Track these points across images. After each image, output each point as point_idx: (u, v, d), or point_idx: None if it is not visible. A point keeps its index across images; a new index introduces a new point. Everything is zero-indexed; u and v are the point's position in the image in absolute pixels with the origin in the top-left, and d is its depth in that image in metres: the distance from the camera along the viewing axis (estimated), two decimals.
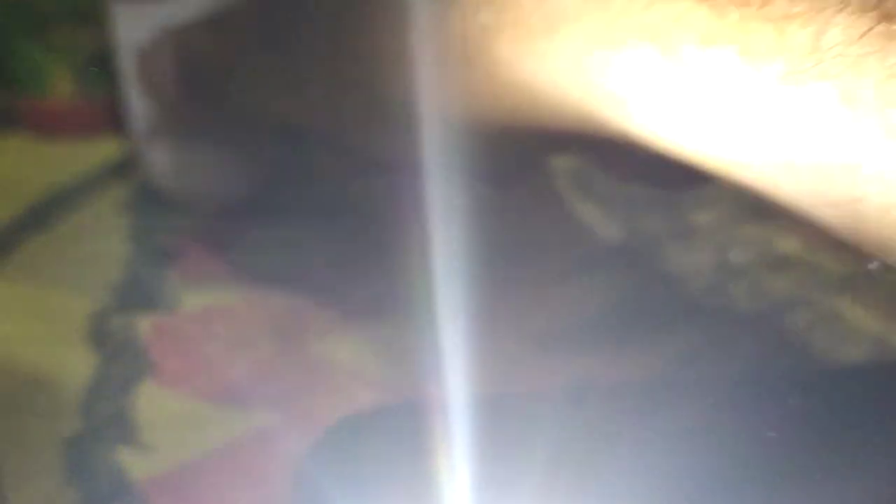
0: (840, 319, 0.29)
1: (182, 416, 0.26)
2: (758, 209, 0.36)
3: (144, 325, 0.28)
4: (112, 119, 0.42)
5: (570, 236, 0.34)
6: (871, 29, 0.13)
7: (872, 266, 0.20)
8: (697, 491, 0.21)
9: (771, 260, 0.32)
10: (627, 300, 0.30)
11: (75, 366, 0.27)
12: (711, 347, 0.28)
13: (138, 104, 0.37)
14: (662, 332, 0.29)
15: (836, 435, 0.22)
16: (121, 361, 0.27)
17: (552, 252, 0.32)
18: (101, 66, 0.41)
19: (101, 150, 0.42)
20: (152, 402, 0.26)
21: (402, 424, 0.23)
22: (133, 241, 0.34)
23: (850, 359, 0.27)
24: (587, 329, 0.29)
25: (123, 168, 0.40)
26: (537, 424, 0.23)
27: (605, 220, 0.35)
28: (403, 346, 0.28)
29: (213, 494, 0.23)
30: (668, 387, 0.25)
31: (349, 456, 0.23)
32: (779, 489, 0.21)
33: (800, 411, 0.23)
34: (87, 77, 0.42)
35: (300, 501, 0.23)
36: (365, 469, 0.22)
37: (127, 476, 0.24)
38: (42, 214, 0.36)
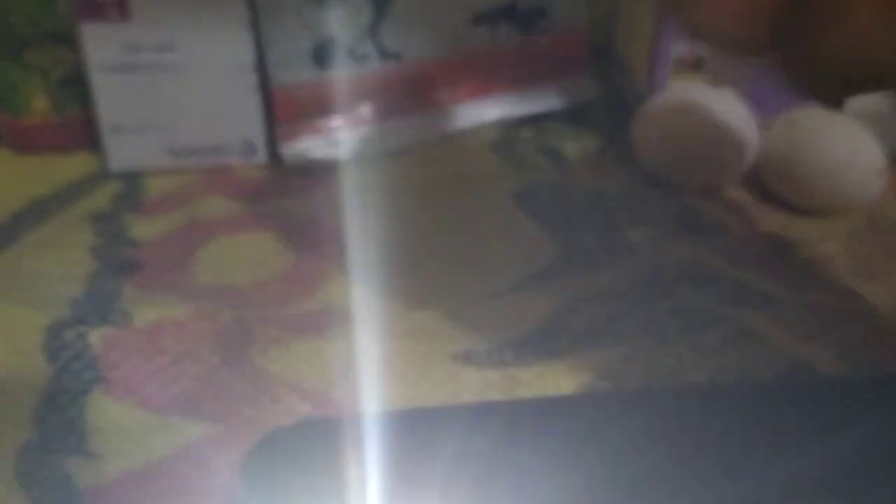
0: (755, 336, 0.30)
1: (129, 426, 0.27)
2: (691, 227, 0.37)
3: (96, 337, 0.30)
4: (83, 135, 0.44)
5: (510, 251, 0.35)
6: None
7: None
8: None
9: (697, 276, 0.33)
10: (560, 315, 0.31)
11: (30, 376, 0.29)
12: (635, 363, 0.29)
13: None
14: (591, 347, 0.30)
15: (747, 450, 0.24)
16: (73, 373, 0.29)
17: (490, 268, 0.34)
18: (74, 85, 0.43)
19: (73, 164, 0.44)
20: (101, 413, 0.28)
21: (324, 436, 0.25)
22: (93, 256, 0.36)
23: (763, 374, 0.29)
24: (519, 344, 0.30)
25: (91, 183, 0.42)
26: (449, 443, 0.24)
27: (545, 235, 0.36)
28: (337, 360, 0.29)
29: (153, 502, 0.25)
30: (593, 400, 0.26)
31: (274, 469, 0.24)
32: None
33: (714, 425, 0.24)
34: (61, 96, 0.44)
35: None
36: (288, 479, 0.24)
37: (74, 483, 0.25)
38: (12, 228, 0.38)
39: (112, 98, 0.41)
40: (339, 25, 0.42)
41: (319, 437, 0.25)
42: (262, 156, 0.43)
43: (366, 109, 0.44)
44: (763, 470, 0.23)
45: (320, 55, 0.42)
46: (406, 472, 0.23)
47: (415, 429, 0.25)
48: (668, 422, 0.25)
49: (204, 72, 0.41)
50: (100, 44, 0.41)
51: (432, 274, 0.34)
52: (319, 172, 0.43)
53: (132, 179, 0.42)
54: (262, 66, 0.42)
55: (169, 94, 0.41)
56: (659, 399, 0.27)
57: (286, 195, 0.41)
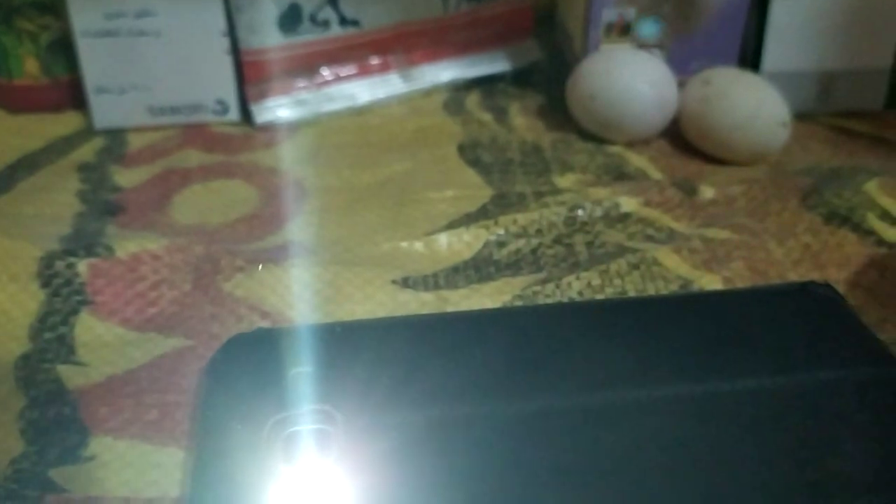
0: (656, 265, 0.34)
1: (111, 341, 0.32)
2: (614, 174, 0.42)
3: (83, 267, 0.34)
4: (72, 95, 0.48)
5: (450, 196, 0.40)
6: None
7: None
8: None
9: (612, 215, 0.38)
10: (489, 248, 0.36)
11: (26, 300, 0.33)
12: (549, 286, 0.34)
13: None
14: (513, 274, 0.35)
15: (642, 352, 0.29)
16: (63, 297, 0.33)
17: (430, 210, 0.39)
18: (62, 49, 0.47)
19: (62, 122, 0.48)
20: (87, 330, 0.32)
21: (278, 343, 0.29)
22: (79, 199, 0.40)
23: (657, 294, 0.33)
24: (451, 273, 0.35)
25: (78, 138, 0.46)
26: (386, 349, 0.29)
27: (482, 182, 0.41)
28: (293, 285, 0.34)
29: (132, 400, 0.29)
30: (510, 314, 0.31)
31: (234, 369, 0.29)
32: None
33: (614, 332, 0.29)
34: (50, 59, 0.48)
35: (201, 403, 0.29)
36: (246, 378, 0.28)
37: (64, 385, 0.30)
38: (7, 177, 0.42)
39: (96, 61, 0.46)
40: None
41: (274, 344, 0.30)
42: (234, 114, 0.48)
43: (328, 71, 0.48)
44: (658, 370, 0.28)
45: (285, 21, 0.46)
46: (348, 372, 0.28)
47: (358, 336, 0.30)
48: (572, 330, 0.30)
49: (179, 36, 0.45)
50: (84, 11, 0.45)
51: (380, 215, 0.39)
52: (286, 129, 0.47)
53: (115, 135, 0.47)
54: (232, 31, 0.46)
55: (148, 58, 0.46)
56: (567, 312, 0.31)
57: (256, 148, 0.45)
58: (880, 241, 0.36)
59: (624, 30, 0.45)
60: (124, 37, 0.45)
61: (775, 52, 0.45)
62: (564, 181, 0.41)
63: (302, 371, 0.29)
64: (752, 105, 0.41)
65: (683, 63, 0.45)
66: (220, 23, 0.45)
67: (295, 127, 0.47)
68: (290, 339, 0.30)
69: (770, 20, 0.44)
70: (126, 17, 0.45)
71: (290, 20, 0.46)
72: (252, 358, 0.29)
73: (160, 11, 0.45)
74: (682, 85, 0.44)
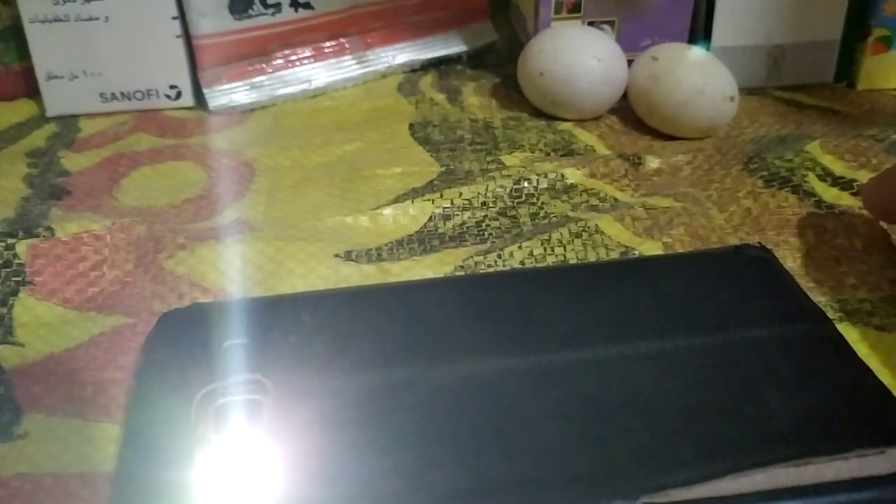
0: (598, 234, 0.34)
1: (51, 321, 0.32)
2: (561, 150, 0.42)
3: (22, 248, 0.34)
4: (25, 84, 0.48)
5: (398, 173, 0.40)
6: None
7: None
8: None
9: (558, 187, 0.38)
10: (434, 221, 0.36)
11: None
12: (491, 257, 0.34)
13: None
14: (456, 246, 0.35)
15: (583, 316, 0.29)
16: (1, 278, 0.33)
17: (378, 186, 0.39)
18: (13, 37, 0.47)
19: (14, 110, 0.48)
20: (27, 311, 0.32)
21: (214, 316, 0.29)
22: (26, 184, 0.40)
23: (595, 260, 0.33)
24: (395, 245, 0.35)
25: (30, 125, 0.46)
26: (321, 319, 0.29)
27: (431, 159, 0.41)
28: (235, 261, 0.34)
29: (68, 378, 0.29)
30: (448, 284, 0.31)
31: (170, 343, 0.29)
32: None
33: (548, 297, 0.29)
34: (2, 48, 0.48)
35: (134, 378, 0.28)
36: (182, 350, 0.28)
37: (0, 365, 0.30)
38: None
39: (46, 48, 0.45)
40: None
41: (208, 317, 0.30)
42: (188, 99, 0.47)
43: (282, 55, 0.48)
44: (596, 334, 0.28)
45: (235, 4, 0.46)
46: (281, 343, 0.28)
47: (293, 308, 0.30)
48: (510, 296, 0.30)
49: (129, 21, 0.45)
50: (33, 2, 0.44)
51: (328, 192, 0.39)
52: (240, 113, 0.47)
53: (68, 121, 0.46)
54: (183, 16, 0.45)
55: (98, 43, 0.45)
56: (506, 279, 0.31)
57: (207, 132, 0.45)
58: (819, 203, 0.36)
59: (574, 8, 0.45)
60: (74, 22, 0.45)
61: (725, 27, 0.45)
62: (513, 159, 0.41)
63: (234, 343, 0.28)
64: (699, 80, 0.41)
65: (635, 40, 0.45)
66: (170, 6, 0.45)
67: (249, 111, 0.47)
68: (224, 312, 0.30)
69: None
70: (74, 2, 0.44)
71: (241, 3, 0.46)
72: (186, 332, 0.29)
73: None
74: (630, 61, 0.44)
